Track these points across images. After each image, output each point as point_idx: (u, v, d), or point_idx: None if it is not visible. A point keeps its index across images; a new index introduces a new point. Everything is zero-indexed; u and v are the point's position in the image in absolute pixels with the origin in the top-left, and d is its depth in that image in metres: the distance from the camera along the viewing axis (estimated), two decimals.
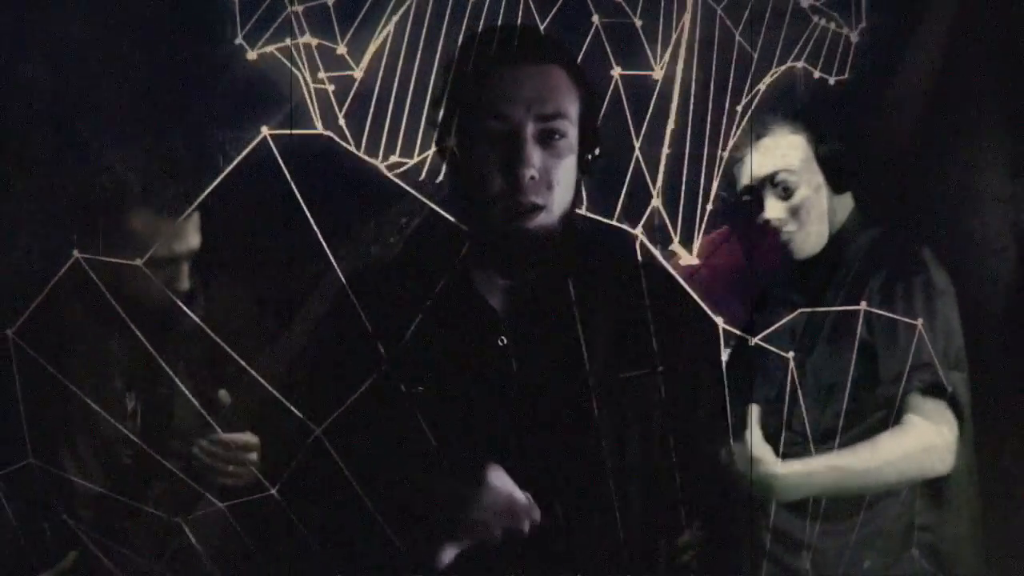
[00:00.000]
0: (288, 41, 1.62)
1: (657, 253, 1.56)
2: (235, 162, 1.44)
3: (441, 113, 1.49)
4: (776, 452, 1.72)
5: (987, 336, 1.98)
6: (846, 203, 1.95)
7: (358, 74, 1.64)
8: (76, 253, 1.51)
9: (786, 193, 1.90)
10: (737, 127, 1.82)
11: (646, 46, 1.70)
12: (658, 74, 1.71)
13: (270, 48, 1.63)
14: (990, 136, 2.04)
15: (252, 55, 1.64)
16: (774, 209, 1.90)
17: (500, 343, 1.47)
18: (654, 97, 1.67)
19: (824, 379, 1.83)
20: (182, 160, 1.82)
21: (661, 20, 1.72)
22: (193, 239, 1.83)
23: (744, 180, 1.92)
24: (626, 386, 1.48)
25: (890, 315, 1.75)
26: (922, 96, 2.04)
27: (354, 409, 1.42)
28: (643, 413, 1.49)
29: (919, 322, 1.72)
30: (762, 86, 1.86)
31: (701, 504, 1.55)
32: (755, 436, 1.72)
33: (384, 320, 1.45)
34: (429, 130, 1.56)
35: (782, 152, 1.90)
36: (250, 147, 1.41)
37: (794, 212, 1.90)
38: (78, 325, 1.78)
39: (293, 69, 1.63)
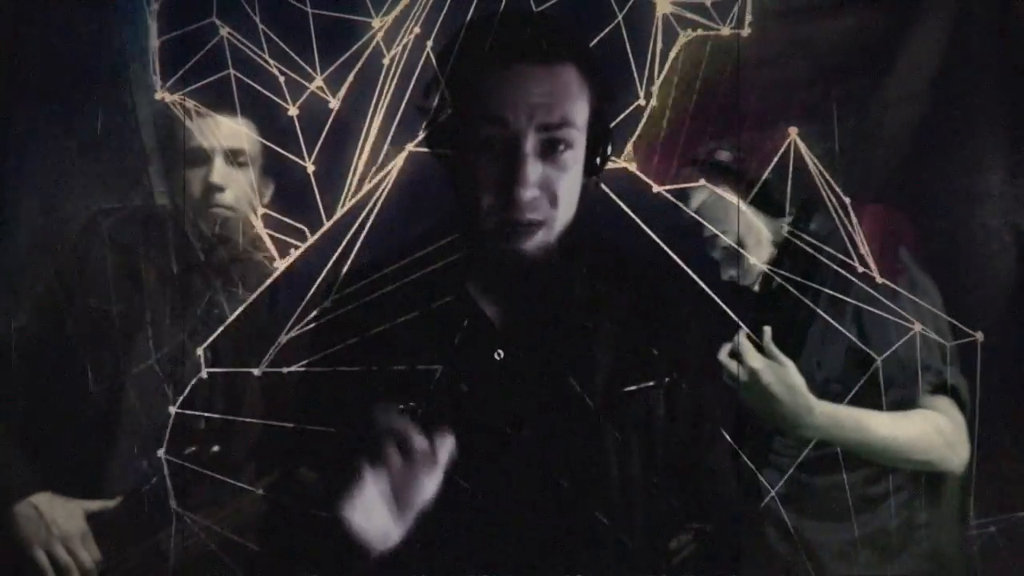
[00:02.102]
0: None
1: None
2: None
3: (433, 110, 1.38)
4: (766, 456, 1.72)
5: (987, 337, 1.97)
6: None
7: (334, 104, 1.61)
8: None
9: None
10: None
11: None
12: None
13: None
14: (990, 136, 2.04)
15: (159, 95, 1.65)
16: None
17: (497, 356, 1.39)
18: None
19: (814, 383, 1.79)
20: None
21: None
22: (236, 140, 1.76)
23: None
24: (630, 399, 1.42)
25: (882, 318, 1.75)
26: (921, 95, 2.03)
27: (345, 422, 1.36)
28: (646, 424, 1.43)
29: (916, 327, 1.74)
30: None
31: (702, 509, 1.53)
32: (789, 362, 1.70)
33: (377, 330, 1.39)
34: (419, 115, 1.44)
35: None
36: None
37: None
38: None
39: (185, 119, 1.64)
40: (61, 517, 1.83)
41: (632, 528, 1.43)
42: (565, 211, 1.35)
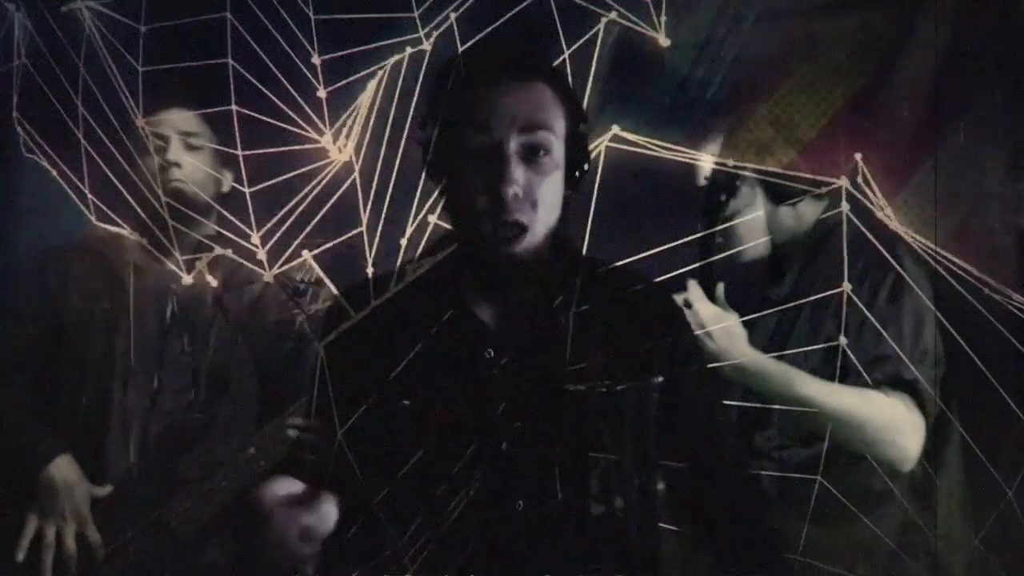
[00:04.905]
0: None
1: None
2: None
3: (430, 136, 1.50)
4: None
5: (986, 336, 1.98)
6: (809, 207, 1.95)
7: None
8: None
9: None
10: None
11: None
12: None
13: None
14: (990, 136, 2.03)
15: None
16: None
17: (487, 355, 1.46)
18: None
19: None
20: None
21: None
22: (190, 124, 2.05)
23: None
24: (622, 397, 1.47)
25: (860, 311, 1.78)
26: (922, 95, 2.03)
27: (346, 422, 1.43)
28: (639, 423, 1.47)
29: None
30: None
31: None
32: (733, 313, 1.82)
33: (376, 335, 1.47)
34: (417, 147, 1.56)
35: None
36: None
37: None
38: None
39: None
40: (75, 496, 1.95)
41: (625, 525, 1.45)
42: (546, 214, 1.46)
